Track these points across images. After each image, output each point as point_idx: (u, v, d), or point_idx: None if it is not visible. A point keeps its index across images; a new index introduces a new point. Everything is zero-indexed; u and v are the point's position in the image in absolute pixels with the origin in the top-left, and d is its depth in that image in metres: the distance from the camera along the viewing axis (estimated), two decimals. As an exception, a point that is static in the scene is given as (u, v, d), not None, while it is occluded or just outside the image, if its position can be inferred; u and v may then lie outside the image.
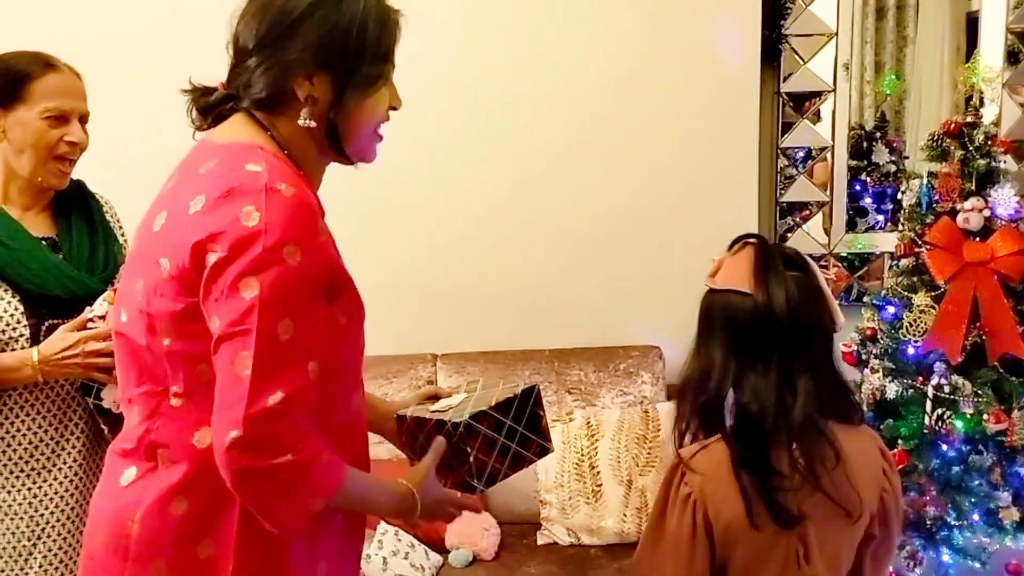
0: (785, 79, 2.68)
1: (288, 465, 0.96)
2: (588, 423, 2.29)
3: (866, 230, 2.80)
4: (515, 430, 1.27)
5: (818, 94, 2.70)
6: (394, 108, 1.17)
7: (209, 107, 1.14)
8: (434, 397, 1.36)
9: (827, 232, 2.77)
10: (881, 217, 2.80)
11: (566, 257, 2.66)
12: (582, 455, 2.25)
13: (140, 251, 1.08)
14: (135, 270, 1.08)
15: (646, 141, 2.62)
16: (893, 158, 2.84)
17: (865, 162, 2.84)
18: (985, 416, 2.20)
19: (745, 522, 1.19)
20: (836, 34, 2.64)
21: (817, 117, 2.75)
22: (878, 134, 2.84)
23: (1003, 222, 2.24)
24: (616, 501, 2.20)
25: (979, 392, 2.22)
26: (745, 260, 1.31)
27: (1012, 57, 2.62)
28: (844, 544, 1.32)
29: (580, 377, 2.43)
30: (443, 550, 2.18)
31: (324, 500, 1.01)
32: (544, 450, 1.32)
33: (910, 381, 2.25)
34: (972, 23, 2.76)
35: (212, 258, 0.98)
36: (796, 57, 2.67)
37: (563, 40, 2.59)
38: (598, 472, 2.23)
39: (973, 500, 2.18)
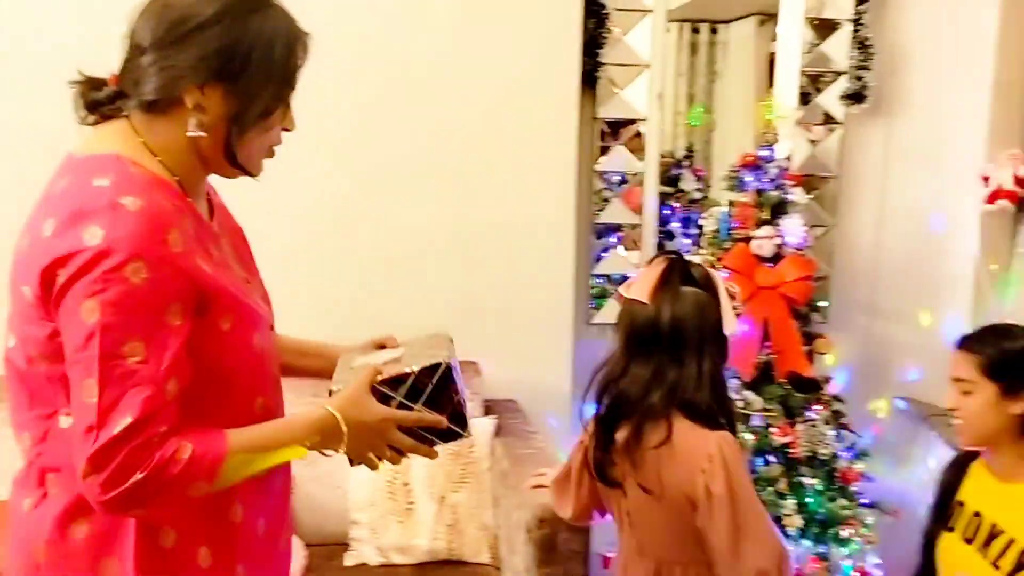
0: (602, 106, 2.78)
1: (143, 481, 0.95)
2: (402, 440, 2.26)
3: (674, 253, 2.94)
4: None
5: (633, 121, 2.82)
6: (287, 130, 1.15)
7: (97, 103, 1.10)
8: (381, 347, 1.33)
9: (639, 253, 2.89)
10: (688, 241, 2.95)
11: (383, 274, 2.62)
12: (395, 472, 2.22)
13: (11, 277, 1.06)
14: (11, 296, 1.06)
15: (468, 160, 2.64)
16: (699, 186, 3.01)
17: (674, 188, 2.99)
18: (773, 429, 2.36)
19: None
20: (650, 65, 2.77)
21: (636, 144, 2.87)
22: (686, 162, 3.01)
23: (792, 250, 2.42)
24: (428, 518, 2.18)
25: (768, 407, 2.38)
26: (652, 274, 1.54)
27: (804, 97, 2.85)
28: (657, 521, 1.53)
29: (396, 393, 2.40)
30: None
31: (207, 483, 1.01)
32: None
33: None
34: (774, 63, 2.98)
35: (58, 282, 0.97)
36: (613, 85, 2.78)
37: (385, 61, 2.56)
38: (410, 490, 2.21)
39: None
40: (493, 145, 2.65)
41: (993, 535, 1.68)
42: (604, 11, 2.68)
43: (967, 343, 1.72)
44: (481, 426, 2.31)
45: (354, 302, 2.61)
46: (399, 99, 2.58)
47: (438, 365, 1.15)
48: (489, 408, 2.48)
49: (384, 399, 1.13)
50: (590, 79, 2.73)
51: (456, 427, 1.19)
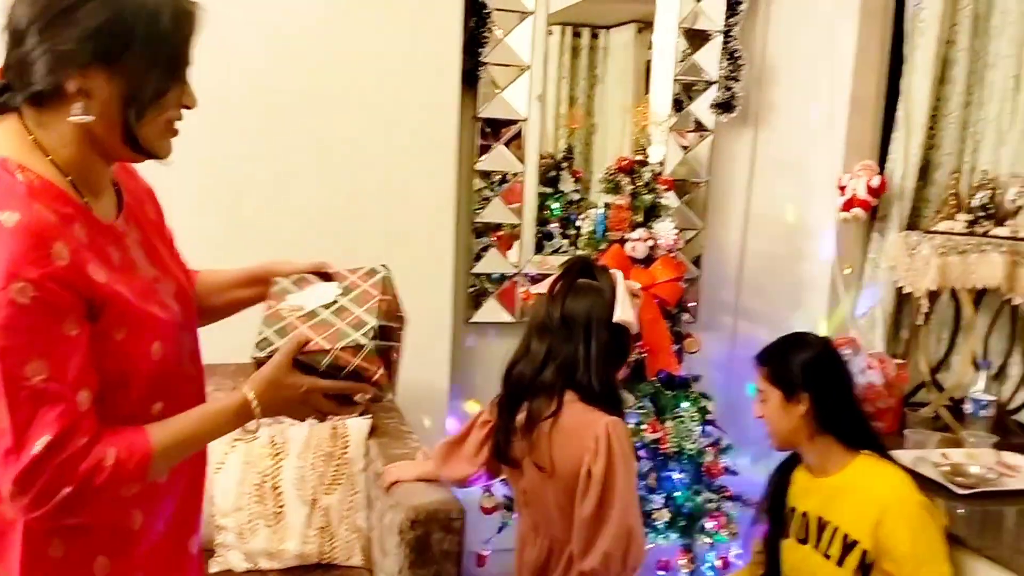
0: (483, 106, 2.79)
1: (72, 494, 0.96)
2: (273, 442, 2.20)
3: (552, 252, 2.98)
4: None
5: (513, 121, 2.84)
6: (187, 107, 1.10)
7: None
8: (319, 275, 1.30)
9: (519, 253, 2.91)
10: (565, 241, 2.99)
11: (258, 267, 2.54)
12: (264, 476, 2.15)
13: None
14: None
15: (347, 157, 2.59)
16: (578, 188, 3.06)
17: (553, 189, 3.03)
18: (644, 426, 2.43)
19: None
20: (530, 67, 2.79)
21: (516, 144, 2.89)
22: (565, 164, 3.05)
23: (663, 252, 2.50)
24: (298, 522, 2.13)
25: (640, 404, 2.45)
26: (557, 272, 1.75)
27: (678, 104, 2.94)
28: (550, 499, 1.67)
29: (267, 393, 2.33)
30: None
31: (138, 482, 1.02)
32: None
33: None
34: (651, 70, 3.06)
35: None
36: (494, 85, 2.79)
37: (261, 55, 2.48)
38: (280, 493, 2.15)
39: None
40: (373, 142, 2.61)
41: (821, 528, 1.81)
42: (486, 11, 2.69)
43: (759, 356, 1.90)
44: (355, 426, 2.27)
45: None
46: (277, 94, 2.50)
47: (361, 347, 1.14)
48: (364, 408, 2.44)
49: (308, 369, 1.13)
50: (471, 78, 2.73)
51: (382, 387, 1.19)
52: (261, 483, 2.15)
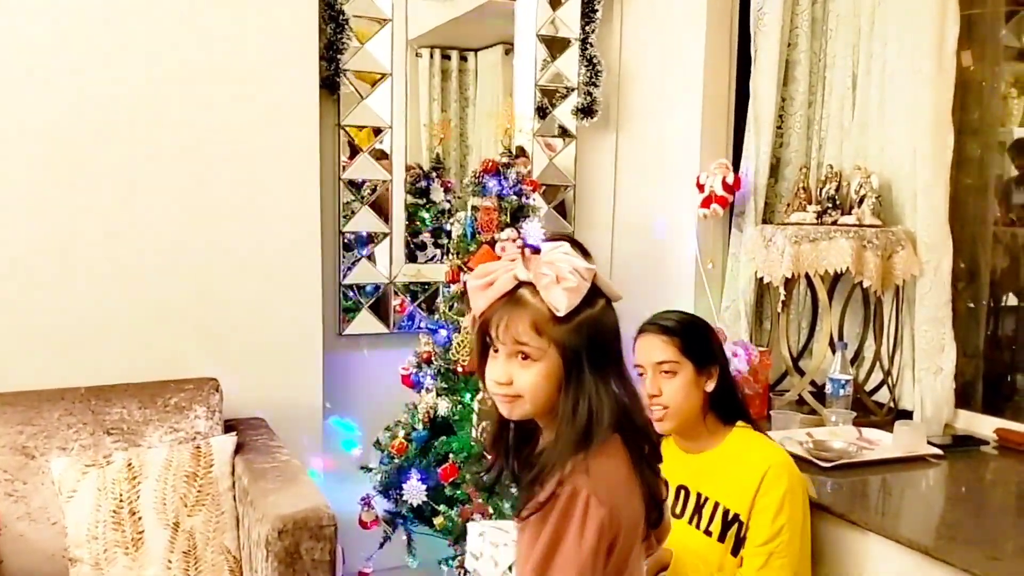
0: (346, 113, 2.75)
1: None
2: (130, 465, 2.06)
3: (426, 262, 2.95)
4: None
5: (380, 130, 2.81)
6: None
7: None
8: None
9: (390, 263, 2.87)
10: (438, 251, 2.97)
11: (115, 286, 2.40)
12: (121, 501, 2.01)
13: None
14: None
15: (205, 167, 2.49)
16: (448, 197, 3.05)
17: (424, 200, 3.01)
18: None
19: None
20: (391, 74, 2.78)
21: (383, 153, 2.85)
22: (434, 174, 3.04)
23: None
24: (160, 548, 2.00)
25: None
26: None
27: (542, 111, 2.99)
28: None
29: (122, 416, 2.19)
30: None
31: None
32: None
33: (459, 398, 2.39)
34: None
35: None
36: (357, 93, 2.75)
37: (113, 63, 2.36)
38: (140, 518, 2.01)
39: (511, 503, 2.36)
40: (231, 149, 2.51)
41: (700, 504, 1.81)
42: (343, 17, 2.66)
43: (667, 328, 1.78)
44: (219, 444, 2.16)
45: (84, 315, 2.36)
46: (127, 100, 2.38)
47: None
48: (231, 427, 2.33)
49: None
50: (332, 85, 2.69)
51: None
52: (118, 509, 2.01)
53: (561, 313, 1.09)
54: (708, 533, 1.78)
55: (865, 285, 2.53)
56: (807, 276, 2.65)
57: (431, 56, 3.31)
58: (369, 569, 2.59)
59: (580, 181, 3.08)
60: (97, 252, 2.38)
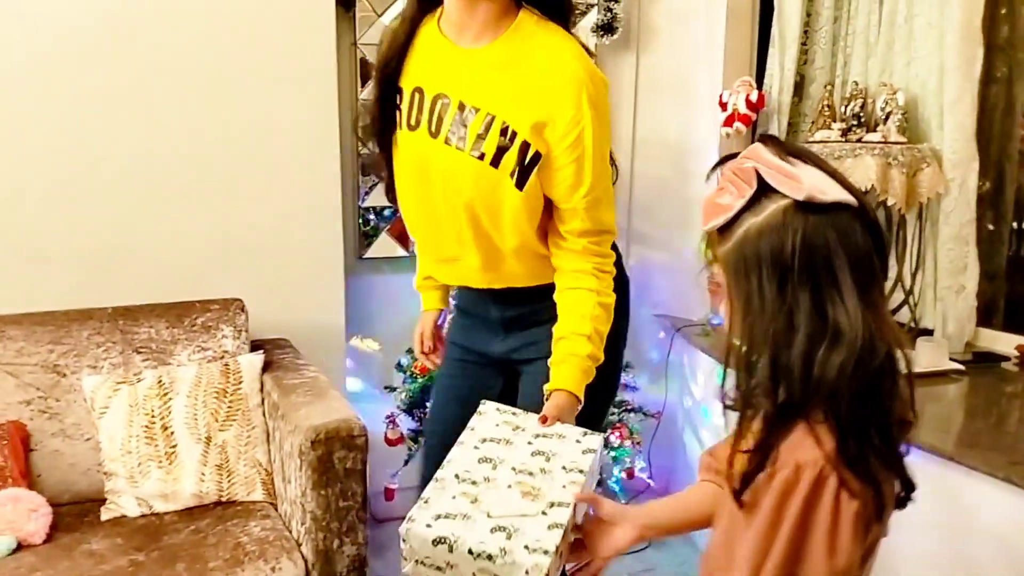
0: (362, 32, 2.70)
1: None
2: (160, 382, 2.10)
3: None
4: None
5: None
6: None
7: None
8: None
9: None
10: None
11: (135, 206, 2.40)
12: (153, 416, 2.05)
13: None
14: None
15: (222, 88, 2.47)
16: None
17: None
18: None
19: None
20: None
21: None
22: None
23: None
24: (193, 461, 2.04)
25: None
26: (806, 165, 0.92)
27: (560, 31, 2.93)
28: None
29: (150, 335, 2.22)
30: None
31: None
32: None
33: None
34: None
35: None
36: (372, 11, 2.70)
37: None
38: (172, 433, 2.05)
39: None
40: (248, 70, 2.49)
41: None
42: (359, -68, 2.60)
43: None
44: (247, 361, 2.19)
45: (109, 237, 2.37)
46: (150, 22, 2.35)
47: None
48: (257, 347, 2.36)
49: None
50: (347, 3, 2.64)
51: None
52: (150, 424, 2.05)
53: None
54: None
55: (890, 203, 2.50)
56: (830, 195, 2.62)
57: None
58: (395, 485, 2.65)
59: (600, 102, 3.03)
60: (121, 175, 2.38)
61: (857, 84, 2.65)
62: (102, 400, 2.06)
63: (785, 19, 2.75)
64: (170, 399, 2.08)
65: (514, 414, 1.29)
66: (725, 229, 0.92)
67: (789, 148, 0.93)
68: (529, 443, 1.21)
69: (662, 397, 2.86)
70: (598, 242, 1.49)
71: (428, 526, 1.05)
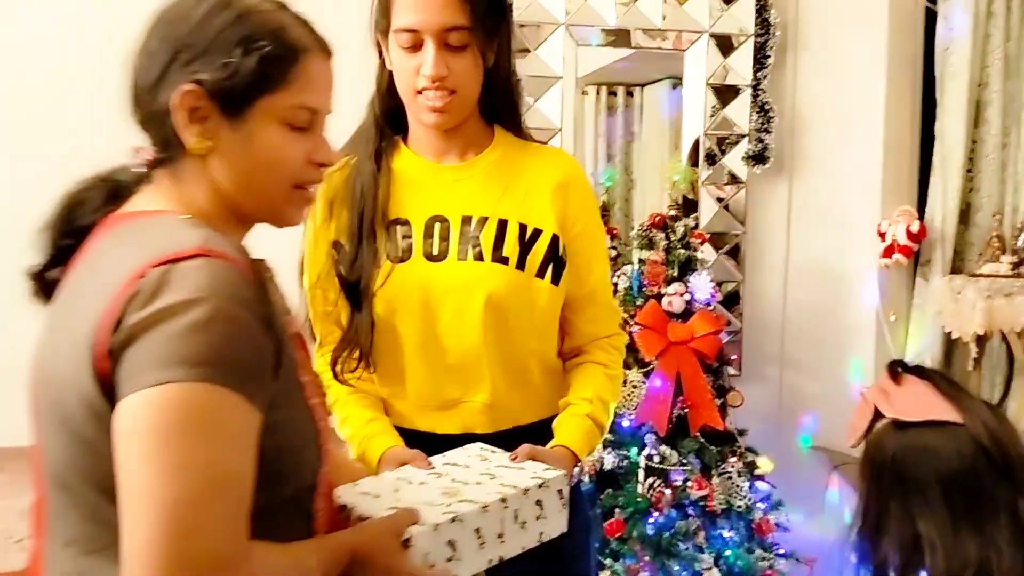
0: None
1: None
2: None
3: (592, 310, 2.98)
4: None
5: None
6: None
7: None
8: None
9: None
10: (605, 298, 3.00)
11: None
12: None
13: None
14: None
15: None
16: (614, 244, 3.07)
17: (591, 247, 3.05)
18: (690, 483, 2.40)
19: None
20: (560, 129, 2.85)
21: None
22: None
23: (700, 306, 2.49)
24: None
25: (684, 461, 2.41)
26: (919, 386, 1.02)
27: (711, 158, 2.97)
28: None
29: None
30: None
31: None
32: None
33: (625, 452, 2.41)
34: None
35: None
36: (527, 148, 2.84)
37: None
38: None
39: (681, 563, 2.35)
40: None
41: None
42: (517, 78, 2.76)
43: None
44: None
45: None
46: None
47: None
48: None
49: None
50: (504, 142, 2.80)
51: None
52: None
53: None
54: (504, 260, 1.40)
55: (1069, 345, 2.33)
56: (1001, 332, 2.47)
57: (596, 93, 3.37)
58: None
59: (751, 227, 3.02)
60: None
61: (1030, 214, 2.52)
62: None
63: (948, 146, 2.67)
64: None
65: (493, 452, 1.26)
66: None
67: (912, 368, 1.00)
68: (486, 470, 1.19)
69: (818, 538, 2.72)
70: (613, 335, 1.53)
71: (339, 496, 1.06)
